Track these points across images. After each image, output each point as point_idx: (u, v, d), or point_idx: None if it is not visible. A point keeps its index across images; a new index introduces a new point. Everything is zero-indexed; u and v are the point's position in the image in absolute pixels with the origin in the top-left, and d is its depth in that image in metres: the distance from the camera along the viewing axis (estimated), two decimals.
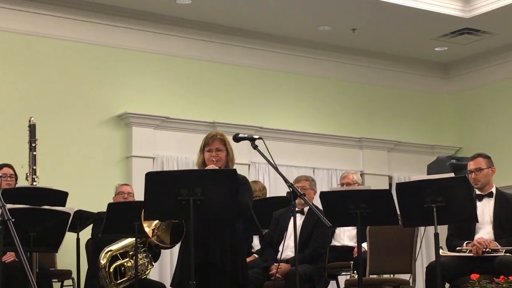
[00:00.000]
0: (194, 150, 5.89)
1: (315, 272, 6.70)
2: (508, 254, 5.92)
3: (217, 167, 5.35)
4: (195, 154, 5.70)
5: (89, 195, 8.44)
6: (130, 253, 6.88)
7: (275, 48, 10.48)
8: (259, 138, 5.36)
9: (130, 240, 6.83)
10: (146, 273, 6.98)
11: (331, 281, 7.51)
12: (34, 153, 6.95)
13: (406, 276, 6.78)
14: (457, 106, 11.93)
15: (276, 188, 9.64)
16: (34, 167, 6.93)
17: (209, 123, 9.70)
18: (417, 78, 11.75)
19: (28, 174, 6.93)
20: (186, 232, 5.21)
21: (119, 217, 6.40)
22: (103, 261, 6.80)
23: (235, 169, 5.04)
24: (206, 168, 5.37)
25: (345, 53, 10.99)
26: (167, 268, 8.90)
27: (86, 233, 7.70)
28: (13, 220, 4.25)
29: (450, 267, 6.03)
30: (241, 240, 5.46)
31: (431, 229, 5.65)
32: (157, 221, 5.32)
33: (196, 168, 5.51)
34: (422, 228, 6.84)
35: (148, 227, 5.28)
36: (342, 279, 7.63)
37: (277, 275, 6.55)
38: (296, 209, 6.40)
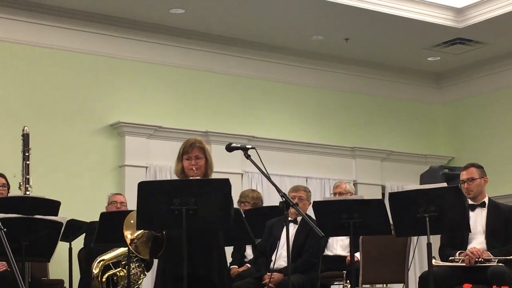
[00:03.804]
0: None
1: (308, 281, 6.69)
2: (500, 264, 5.92)
3: (198, 177, 5.30)
4: None
5: (82, 204, 8.42)
6: (123, 262, 6.88)
7: (268, 57, 10.49)
8: (252, 148, 5.35)
9: (122, 250, 6.83)
10: (139, 282, 6.98)
11: None
12: (28, 162, 6.94)
13: (399, 286, 6.79)
14: (450, 115, 11.95)
15: (269, 198, 9.62)
16: (27, 176, 6.92)
17: (202, 133, 9.69)
18: (409, 88, 11.77)
19: (21, 184, 6.92)
20: (166, 245, 5.15)
21: (111, 227, 6.37)
22: (95, 270, 6.80)
23: (227, 179, 5.02)
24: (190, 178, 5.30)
25: (338, 63, 11.01)
26: None
27: (78, 243, 7.68)
28: (5, 229, 4.24)
29: (443, 277, 6.03)
30: (224, 248, 5.43)
31: (423, 239, 5.65)
32: (141, 231, 5.25)
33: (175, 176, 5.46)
34: (414, 238, 6.85)
35: (131, 235, 5.22)
36: None
37: (270, 284, 6.54)
38: (289, 218, 6.42)
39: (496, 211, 6.26)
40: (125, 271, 6.76)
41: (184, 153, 5.36)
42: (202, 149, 5.37)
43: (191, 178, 5.25)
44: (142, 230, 5.15)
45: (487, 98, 11.42)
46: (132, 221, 5.11)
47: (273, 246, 6.76)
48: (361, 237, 6.89)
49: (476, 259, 5.98)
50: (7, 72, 8.83)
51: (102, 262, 6.84)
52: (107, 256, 6.88)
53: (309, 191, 7.20)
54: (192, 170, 5.29)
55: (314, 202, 6.22)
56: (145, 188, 4.98)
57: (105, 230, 6.45)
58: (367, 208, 5.96)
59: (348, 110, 11.20)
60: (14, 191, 7.04)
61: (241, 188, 9.22)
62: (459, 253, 6.12)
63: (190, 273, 5.04)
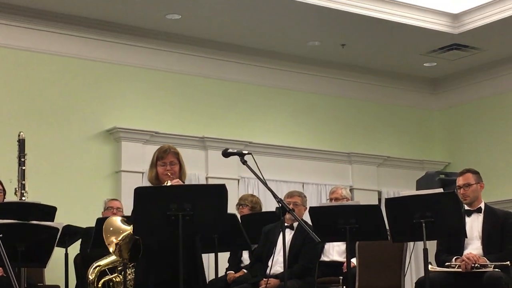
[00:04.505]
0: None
1: (305, 287, 6.68)
2: (496, 269, 5.92)
3: (181, 182, 5.31)
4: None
5: (78, 210, 8.41)
6: (119, 268, 6.86)
7: (264, 63, 10.50)
8: (249, 153, 5.35)
9: None
10: None
11: None
12: (23, 167, 6.92)
13: None
14: (446, 121, 11.97)
15: (266, 203, 9.62)
16: (23, 182, 6.90)
17: (199, 138, 9.70)
18: (406, 94, 11.79)
19: (17, 189, 6.91)
20: (146, 252, 5.14)
21: None
22: (91, 276, 6.78)
23: (224, 184, 5.03)
24: (172, 183, 5.30)
25: (334, 69, 11.02)
26: None
27: (74, 248, 7.68)
28: (1, 235, 4.23)
29: (439, 283, 6.02)
30: (200, 252, 5.45)
31: (420, 244, 5.66)
32: (126, 233, 5.25)
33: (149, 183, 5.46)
34: (411, 244, 6.84)
35: (116, 239, 5.23)
36: None
37: None
38: (286, 224, 6.41)
39: (492, 216, 6.26)
40: (121, 277, 6.75)
41: (158, 159, 5.41)
42: (176, 154, 5.43)
43: (151, 183, 5.26)
44: (127, 232, 5.17)
45: (483, 103, 11.43)
46: (111, 228, 5.14)
47: (270, 252, 6.76)
48: (357, 242, 6.88)
49: (472, 265, 5.97)
50: (2, 78, 8.82)
51: (98, 267, 6.83)
52: (103, 261, 6.87)
53: (304, 196, 7.20)
54: (168, 175, 5.33)
55: (310, 207, 6.22)
56: (141, 194, 4.99)
57: (101, 235, 6.40)
58: (364, 213, 5.96)
59: (345, 116, 11.20)
60: (10, 197, 7.02)
61: (238, 193, 9.23)
62: (455, 259, 6.12)
63: (173, 278, 5.04)
